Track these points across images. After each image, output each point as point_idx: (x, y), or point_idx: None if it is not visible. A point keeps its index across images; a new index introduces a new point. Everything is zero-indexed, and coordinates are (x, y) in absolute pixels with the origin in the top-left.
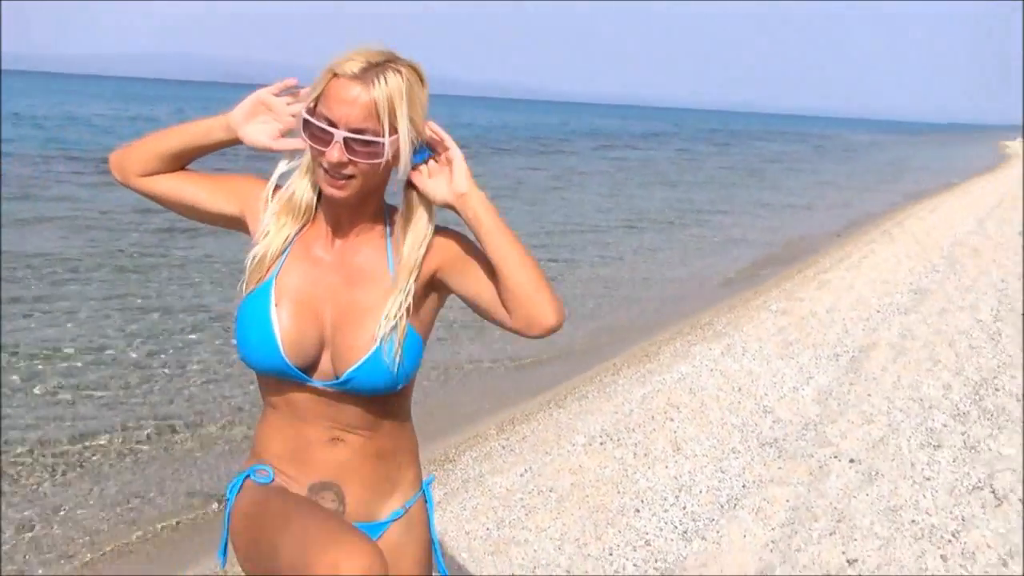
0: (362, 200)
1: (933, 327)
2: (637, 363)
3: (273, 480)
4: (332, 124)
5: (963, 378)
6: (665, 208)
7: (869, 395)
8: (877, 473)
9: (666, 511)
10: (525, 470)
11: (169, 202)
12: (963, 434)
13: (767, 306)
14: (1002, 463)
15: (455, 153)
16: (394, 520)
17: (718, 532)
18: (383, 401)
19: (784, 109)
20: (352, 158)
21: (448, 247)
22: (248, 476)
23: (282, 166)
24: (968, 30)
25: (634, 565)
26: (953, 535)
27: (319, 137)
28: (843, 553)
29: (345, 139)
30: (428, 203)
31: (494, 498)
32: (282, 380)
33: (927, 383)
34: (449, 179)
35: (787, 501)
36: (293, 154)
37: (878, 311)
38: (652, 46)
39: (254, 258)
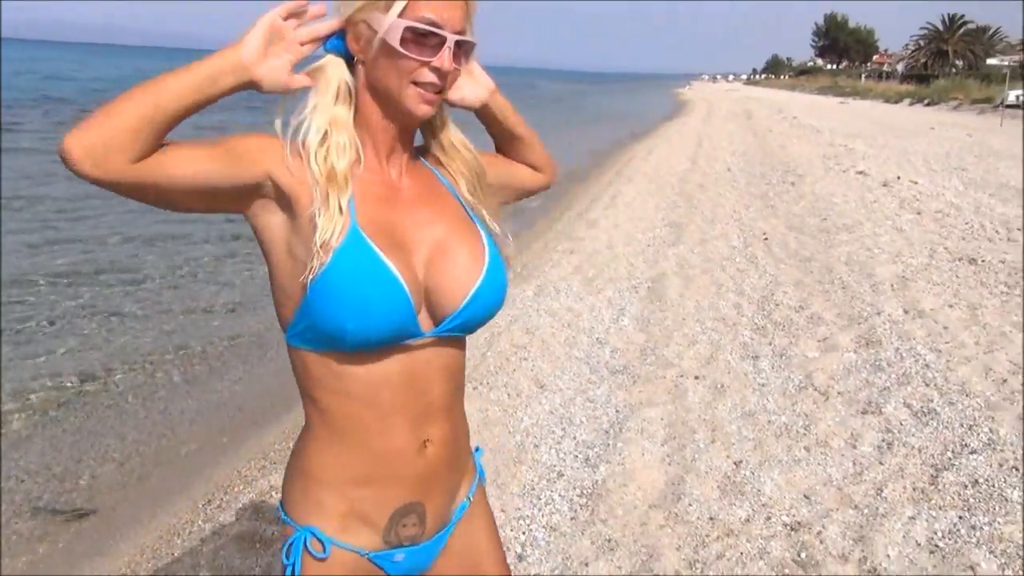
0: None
1: (701, 255)
2: None
3: (328, 554)
4: (437, 27)
5: (747, 297)
6: None
7: (683, 319)
8: (723, 386)
9: (559, 443)
10: None
11: (173, 192)
12: (770, 344)
13: (554, 247)
14: (811, 365)
15: None
16: (461, 516)
17: (619, 455)
18: (463, 355)
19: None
20: (456, 65)
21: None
22: (305, 540)
23: (295, 110)
24: None
25: (560, 495)
26: (805, 429)
27: (422, 44)
28: (728, 457)
29: (456, 43)
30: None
31: None
32: (381, 355)
33: (721, 304)
34: (472, 80)
35: (661, 419)
36: (295, 95)
37: (649, 245)
38: None
39: (319, 214)
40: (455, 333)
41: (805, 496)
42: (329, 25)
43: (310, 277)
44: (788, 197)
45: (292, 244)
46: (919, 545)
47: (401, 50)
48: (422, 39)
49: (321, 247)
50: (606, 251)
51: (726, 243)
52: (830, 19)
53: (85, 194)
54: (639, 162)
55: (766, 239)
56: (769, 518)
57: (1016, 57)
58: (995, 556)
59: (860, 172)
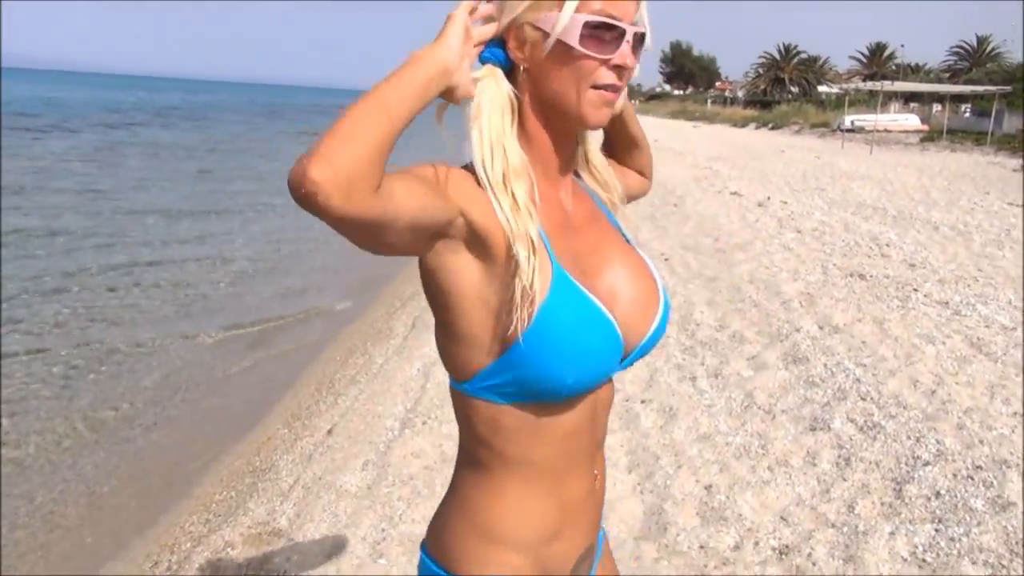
0: None
1: None
2: (381, 342)
3: None
4: (616, 19)
5: None
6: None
7: None
8: (671, 408)
9: None
10: (365, 463)
11: (396, 229)
12: (702, 365)
13: None
14: (748, 384)
15: None
16: (600, 544)
17: None
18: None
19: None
20: (636, 60)
21: None
22: None
23: (476, 128)
24: None
25: None
26: (762, 448)
27: (601, 40)
28: (697, 482)
29: (635, 35)
30: None
31: (357, 499)
32: (581, 399)
33: None
34: None
35: (622, 446)
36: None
37: None
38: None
39: (518, 253)
40: (635, 359)
41: (782, 518)
42: (492, 28)
43: (520, 328)
44: (675, 219)
45: (484, 289)
46: (906, 560)
47: (581, 49)
48: (600, 35)
49: (529, 291)
50: None
51: None
52: (675, 47)
53: None
54: None
55: (666, 260)
56: (757, 543)
57: (845, 84)
58: (979, 566)
59: (734, 193)
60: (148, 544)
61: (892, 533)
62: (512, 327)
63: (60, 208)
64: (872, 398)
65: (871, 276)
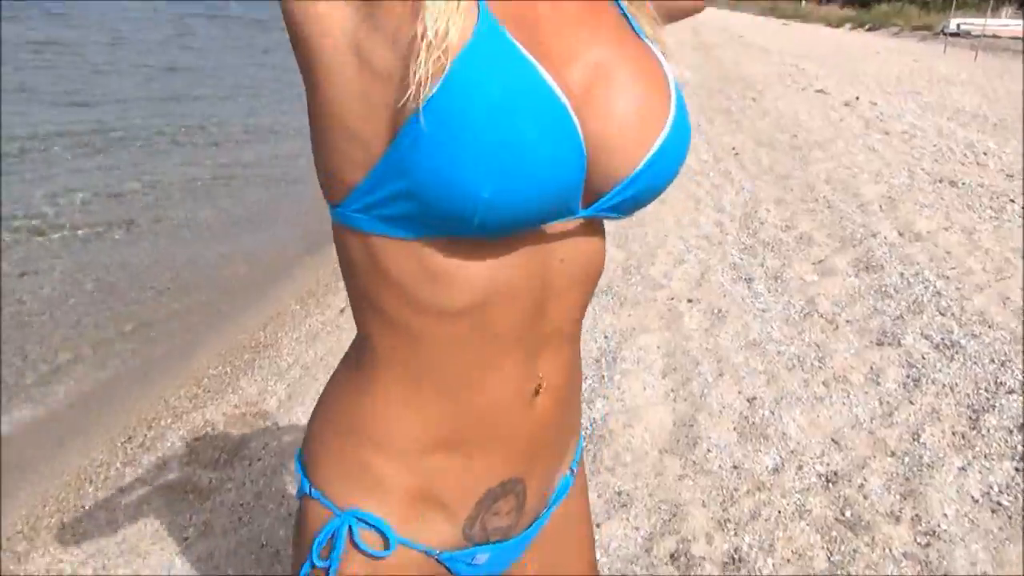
0: None
1: None
2: None
3: (389, 553)
4: None
5: (728, 215)
6: None
7: (665, 236)
8: (720, 311)
9: None
10: None
11: None
12: (761, 266)
13: None
14: (810, 289)
15: None
16: (563, 497)
17: (618, 390)
18: (604, 254)
19: None
20: None
21: None
22: (352, 531)
23: None
24: None
25: None
26: (819, 361)
27: None
28: (739, 393)
29: None
30: None
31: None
32: (509, 247)
33: (702, 221)
34: None
35: (659, 347)
36: None
37: None
38: None
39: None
40: (616, 214)
41: (834, 441)
42: None
43: (421, 95)
44: (752, 113)
45: (365, 41)
46: (976, 502)
47: None
48: None
49: (438, 39)
50: None
51: (695, 157)
52: None
53: None
54: None
55: (736, 154)
56: (801, 467)
57: None
58: None
59: (819, 91)
60: (128, 416)
61: (963, 468)
62: (407, 96)
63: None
64: (953, 314)
65: (963, 184)
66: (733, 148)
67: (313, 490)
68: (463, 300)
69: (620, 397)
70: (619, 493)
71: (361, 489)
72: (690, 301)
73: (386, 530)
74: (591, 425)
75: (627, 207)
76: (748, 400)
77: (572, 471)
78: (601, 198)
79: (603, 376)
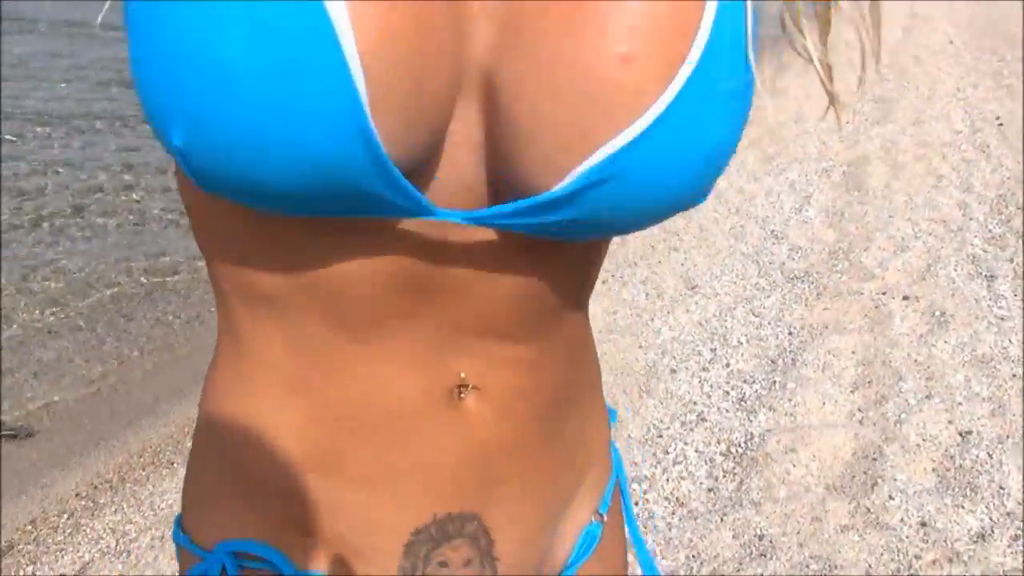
0: None
1: (915, 139)
2: None
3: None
4: None
5: (975, 195)
6: None
7: (889, 217)
8: (944, 313)
9: (706, 370)
10: None
11: None
12: (1011, 262)
13: None
14: None
15: None
16: (588, 551)
17: (790, 400)
18: (576, 262)
19: None
20: None
21: None
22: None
23: None
24: None
25: (697, 451)
26: None
27: None
28: (950, 423)
29: None
30: None
31: None
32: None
33: (941, 202)
34: None
35: (853, 353)
36: None
37: (848, 121)
38: None
39: None
40: (544, 235)
41: None
42: None
43: None
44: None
45: None
46: None
47: None
48: None
49: None
50: (793, 124)
51: (947, 126)
52: None
53: None
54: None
55: (1001, 124)
56: (1017, 538)
57: None
58: None
59: None
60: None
61: None
62: None
63: None
64: None
65: None
66: (998, 118)
67: (179, 534)
68: (297, 292)
69: (790, 411)
70: (760, 537)
71: (231, 518)
72: (906, 298)
73: (275, 558)
74: (745, 442)
75: (561, 230)
76: (960, 435)
77: (602, 516)
78: (507, 208)
79: (774, 382)
